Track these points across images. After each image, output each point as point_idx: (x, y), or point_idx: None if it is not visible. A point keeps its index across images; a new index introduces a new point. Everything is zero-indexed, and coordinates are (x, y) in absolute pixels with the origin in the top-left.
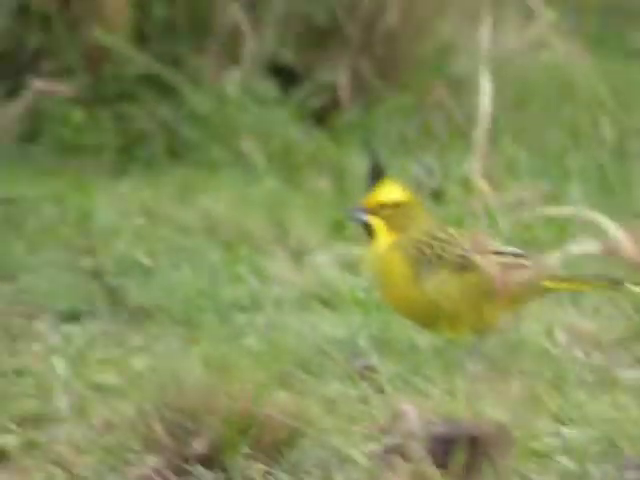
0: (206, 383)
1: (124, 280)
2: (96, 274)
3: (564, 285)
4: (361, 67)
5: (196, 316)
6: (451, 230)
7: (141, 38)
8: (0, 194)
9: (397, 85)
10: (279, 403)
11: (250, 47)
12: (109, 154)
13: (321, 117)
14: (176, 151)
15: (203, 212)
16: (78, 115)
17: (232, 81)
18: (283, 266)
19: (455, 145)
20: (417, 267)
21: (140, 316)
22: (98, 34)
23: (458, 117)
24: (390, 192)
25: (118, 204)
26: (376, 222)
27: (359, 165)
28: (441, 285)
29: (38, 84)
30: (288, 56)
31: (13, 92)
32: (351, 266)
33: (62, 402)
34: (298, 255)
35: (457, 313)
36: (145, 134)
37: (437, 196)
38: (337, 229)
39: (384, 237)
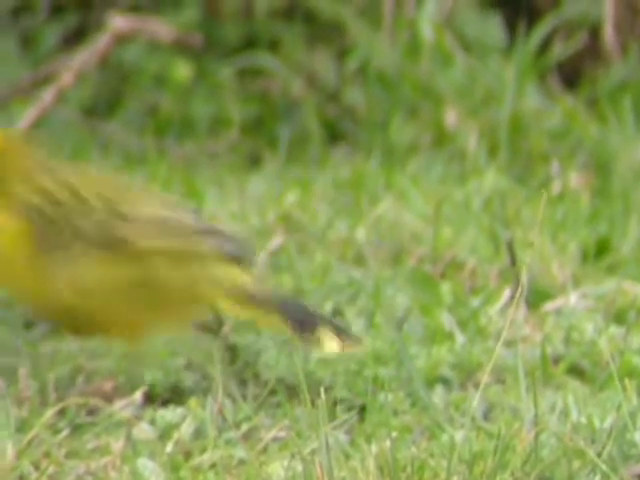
0: None
1: None
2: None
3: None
4: None
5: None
6: (74, 179)
7: None
8: None
9: None
10: None
11: None
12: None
13: None
14: None
15: None
16: (184, 71)
17: None
18: None
19: None
20: (41, 247)
21: None
22: None
23: None
24: None
25: None
26: None
27: None
28: (80, 278)
29: (118, 22)
30: None
31: (79, 32)
32: None
33: None
34: None
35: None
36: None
37: None
38: None
39: None
